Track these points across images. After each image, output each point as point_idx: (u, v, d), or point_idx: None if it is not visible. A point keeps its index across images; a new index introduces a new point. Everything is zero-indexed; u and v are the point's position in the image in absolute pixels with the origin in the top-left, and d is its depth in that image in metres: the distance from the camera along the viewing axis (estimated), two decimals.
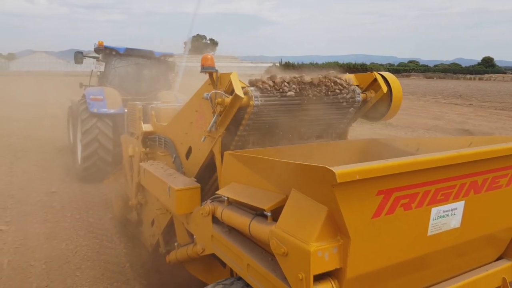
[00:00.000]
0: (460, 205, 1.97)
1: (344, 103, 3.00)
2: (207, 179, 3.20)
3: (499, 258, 2.47)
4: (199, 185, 2.93)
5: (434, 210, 1.88)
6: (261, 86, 2.64)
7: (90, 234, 5.45)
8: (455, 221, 1.99)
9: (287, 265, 1.77)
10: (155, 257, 4.43)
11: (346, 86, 2.94)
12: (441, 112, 19.56)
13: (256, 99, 2.60)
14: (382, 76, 3.11)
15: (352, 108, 3.09)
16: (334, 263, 1.67)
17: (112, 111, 7.45)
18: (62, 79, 34.64)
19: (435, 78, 69.90)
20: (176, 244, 3.49)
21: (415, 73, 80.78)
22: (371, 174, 1.54)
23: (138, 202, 4.62)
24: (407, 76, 75.85)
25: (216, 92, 2.61)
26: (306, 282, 1.64)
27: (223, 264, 2.94)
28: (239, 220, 2.25)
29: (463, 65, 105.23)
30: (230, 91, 2.54)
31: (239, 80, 2.58)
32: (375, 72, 3.11)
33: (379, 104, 3.15)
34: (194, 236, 2.96)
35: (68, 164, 8.92)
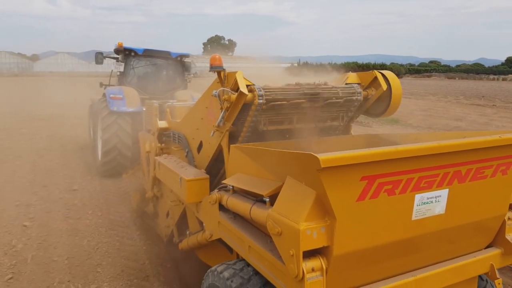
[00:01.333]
0: (444, 192, 2.13)
1: (345, 101, 3.18)
2: (217, 171, 3.42)
3: (489, 246, 2.61)
4: (208, 176, 3.15)
5: (418, 197, 2.05)
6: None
7: (110, 231, 5.54)
8: (439, 208, 2.15)
9: (281, 244, 1.97)
10: (174, 254, 4.55)
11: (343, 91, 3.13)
12: (463, 113, 19.21)
13: (260, 96, 2.80)
14: (383, 75, 3.27)
15: (353, 105, 3.26)
16: (321, 241, 1.86)
17: (131, 109, 7.75)
18: (84, 79, 35.44)
19: (457, 78, 68.67)
20: (188, 232, 3.73)
21: (436, 74, 79.46)
22: (353, 161, 1.73)
23: (154, 195, 4.88)
24: (428, 76, 74.69)
25: (223, 89, 2.82)
26: (296, 257, 1.84)
27: (230, 250, 3.15)
28: (242, 206, 2.46)
29: (486, 65, 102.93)
30: (236, 88, 2.75)
31: (245, 78, 2.79)
32: (375, 71, 3.27)
33: (380, 101, 3.31)
34: (204, 224, 3.19)
35: (89, 162, 9.16)
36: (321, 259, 1.91)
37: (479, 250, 2.55)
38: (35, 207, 6.38)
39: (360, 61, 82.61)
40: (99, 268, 4.53)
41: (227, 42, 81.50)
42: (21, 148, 10.56)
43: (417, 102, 24.81)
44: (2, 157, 9.55)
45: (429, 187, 2.06)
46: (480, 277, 2.77)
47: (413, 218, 2.07)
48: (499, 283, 2.50)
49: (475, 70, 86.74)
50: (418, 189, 2.03)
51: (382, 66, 78.11)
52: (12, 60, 58.89)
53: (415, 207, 2.05)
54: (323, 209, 1.86)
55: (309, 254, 1.89)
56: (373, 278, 2.14)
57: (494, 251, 2.54)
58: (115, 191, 7.25)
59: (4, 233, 5.36)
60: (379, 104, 3.34)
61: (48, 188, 7.32)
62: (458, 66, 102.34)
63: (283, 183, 2.10)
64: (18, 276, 4.32)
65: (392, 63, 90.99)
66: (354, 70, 3.33)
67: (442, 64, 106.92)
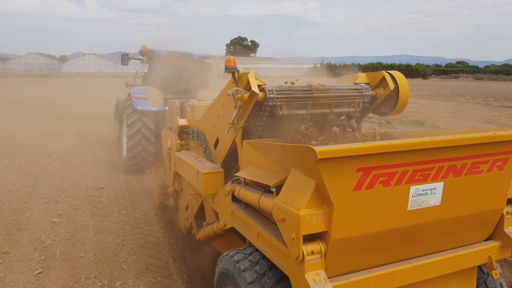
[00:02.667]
0: (439, 185, 2.28)
1: (355, 100, 3.34)
2: (232, 165, 3.64)
3: (488, 239, 2.73)
4: (222, 169, 3.38)
5: (413, 188, 2.20)
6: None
7: (136, 229, 5.64)
8: (434, 200, 2.29)
9: (284, 229, 2.16)
10: (198, 253, 4.65)
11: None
12: (493, 116, 18.52)
13: (271, 95, 2.99)
14: (391, 75, 3.42)
15: (362, 104, 3.41)
16: (320, 226, 2.05)
17: (154, 108, 8.09)
18: (110, 80, 36.28)
19: (485, 79, 66.92)
20: (204, 223, 3.96)
21: (463, 74, 77.63)
22: (348, 153, 1.90)
23: (175, 190, 5.14)
24: (455, 77, 73.03)
25: (237, 89, 3.03)
26: (297, 240, 2.03)
27: (243, 240, 3.36)
28: (252, 196, 2.66)
29: None
30: (248, 88, 2.96)
31: (257, 79, 2.99)
32: (383, 71, 3.42)
33: (388, 100, 3.46)
34: (218, 214, 3.41)
35: (115, 161, 9.41)
36: (320, 243, 2.09)
37: (478, 243, 2.68)
38: (64, 204, 6.57)
39: (385, 62, 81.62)
40: (124, 265, 4.64)
41: (249, 43, 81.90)
42: (51, 147, 10.86)
43: (444, 104, 24.30)
44: (32, 155, 9.85)
45: (424, 180, 2.21)
46: (481, 270, 2.89)
47: (409, 208, 2.23)
48: (495, 274, 2.62)
49: (505, 71, 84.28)
50: (413, 181, 2.18)
51: (408, 67, 76.87)
52: (42, 61, 60.70)
53: (410, 198, 2.21)
54: (322, 197, 2.04)
55: (309, 239, 2.08)
56: (371, 264, 2.31)
57: (493, 244, 2.66)
58: (140, 190, 7.44)
59: (34, 229, 5.55)
60: (387, 103, 3.49)
61: (76, 186, 7.55)
62: (486, 67, 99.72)
63: (288, 175, 2.29)
64: (47, 271, 4.46)
65: (418, 64, 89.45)
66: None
67: (470, 65, 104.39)
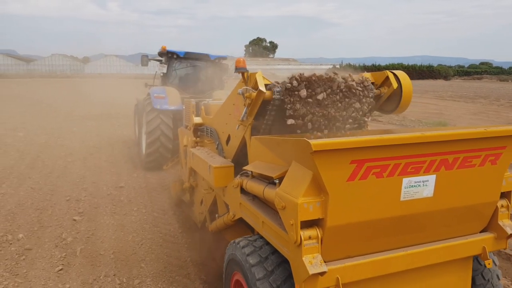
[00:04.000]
0: (431, 178, 2.43)
1: (359, 98, 3.49)
2: (242, 161, 3.85)
3: (484, 231, 2.86)
4: (232, 164, 3.60)
5: (406, 180, 2.36)
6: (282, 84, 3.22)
7: (154, 228, 5.73)
8: (427, 191, 2.45)
9: (284, 216, 2.35)
10: (215, 253, 4.63)
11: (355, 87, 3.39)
12: None
13: (278, 93, 3.18)
14: (394, 75, 3.57)
15: (366, 102, 3.56)
16: (317, 213, 2.23)
17: (172, 107, 8.40)
18: (131, 80, 36.88)
19: (510, 81, 65.36)
20: (217, 215, 4.19)
21: (487, 76, 76.00)
22: (341, 146, 2.08)
23: (191, 185, 5.39)
24: (478, 78, 71.53)
25: (246, 88, 3.23)
26: (295, 226, 2.22)
27: (252, 230, 3.56)
28: (257, 188, 2.87)
29: None
30: (256, 87, 3.16)
31: (264, 78, 3.19)
32: (387, 71, 3.57)
33: (391, 99, 3.61)
34: (229, 206, 3.63)
35: (135, 161, 9.62)
36: (317, 229, 2.27)
37: (473, 234, 2.81)
38: (84, 202, 6.71)
39: (405, 63, 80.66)
40: (143, 263, 4.70)
41: (268, 45, 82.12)
42: (72, 146, 11.17)
43: (467, 106, 23.91)
44: (55, 154, 10.15)
45: (416, 172, 2.36)
46: (478, 262, 3.02)
47: (402, 199, 2.38)
48: (489, 263, 2.75)
49: None
50: (406, 173, 2.34)
51: (429, 68, 75.77)
52: (65, 62, 62.21)
53: (403, 189, 2.36)
54: (318, 187, 2.23)
55: (307, 225, 2.26)
56: (367, 251, 2.47)
57: (487, 235, 2.79)
58: (159, 189, 7.58)
59: (55, 226, 5.71)
60: (391, 101, 3.64)
61: (97, 185, 7.71)
62: (511, 68, 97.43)
63: (289, 167, 2.48)
64: (67, 268, 4.57)
65: (440, 65, 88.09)
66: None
67: (494, 66, 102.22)
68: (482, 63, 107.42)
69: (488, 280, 2.97)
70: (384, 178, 2.29)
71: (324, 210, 2.23)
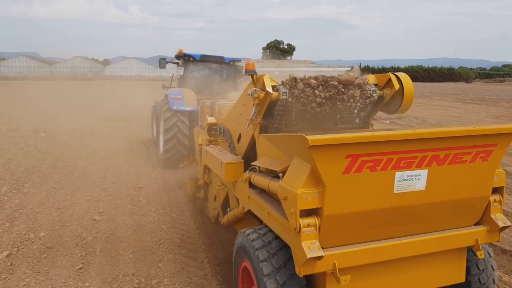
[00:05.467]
0: (423, 172, 2.61)
1: (363, 99, 3.69)
2: (253, 158, 4.09)
3: (478, 224, 3.02)
4: (242, 160, 3.85)
5: (398, 174, 2.55)
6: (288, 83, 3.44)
7: (172, 228, 5.79)
8: (419, 185, 2.63)
9: (286, 205, 2.58)
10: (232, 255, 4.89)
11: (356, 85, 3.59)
12: None
13: (284, 94, 3.41)
14: (397, 76, 3.75)
15: (370, 103, 3.76)
16: (315, 203, 2.45)
17: (189, 108, 8.74)
18: (150, 82, 37.43)
19: None
20: (228, 209, 4.44)
21: (510, 78, 74.42)
22: (336, 141, 2.30)
23: (205, 182, 5.66)
24: (500, 81, 70.02)
25: (255, 89, 3.47)
26: (295, 214, 2.45)
27: (260, 222, 3.80)
28: (263, 181, 3.10)
29: None
30: (264, 88, 3.39)
31: (272, 80, 3.42)
32: (390, 73, 3.76)
33: (394, 100, 3.79)
34: (239, 200, 3.87)
35: (153, 162, 9.72)
36: (316, 218, 2.49)
37: (467, 227, 2.98)
38: (104, 202, 6.80)
39: (425, 65, 79.79)
40: (160, 263, 4.76)
41: (286, 47, 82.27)
42: (93, 147, 11.33)
43: (489, 109, 23.45)
44: (76, 154, 10.36)
45: (408, 167, 2.56)
46: (473, 253, 3.18)
47: (395, 191, 2.58)
48: (480, 254, 2.92)
49: None
50: (398, 167, 2.53)
51: (450, 70, 74.73)
52: (86, 65, 63.55)
53: (396, 182, 2.56)
54: (316, 179, 2.45)
55: (306, 214, 2.48)
56: (363, 239, 2.68)
57: (480, 228, 2.96)
58: (177, 190, 7.69)
59: (76, 226, 5.80)
60: (394, 102, 3.82)
61: (116, 185, 7.82)
62: None
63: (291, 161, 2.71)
64: (87, 267, 4.63)
65: (461, 67, 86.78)
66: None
67: None
68: (504, 65, 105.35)
69: (483, 270, 3.14)
70: (378, 171, 2.49)
71: (321, 200, 2.45)
